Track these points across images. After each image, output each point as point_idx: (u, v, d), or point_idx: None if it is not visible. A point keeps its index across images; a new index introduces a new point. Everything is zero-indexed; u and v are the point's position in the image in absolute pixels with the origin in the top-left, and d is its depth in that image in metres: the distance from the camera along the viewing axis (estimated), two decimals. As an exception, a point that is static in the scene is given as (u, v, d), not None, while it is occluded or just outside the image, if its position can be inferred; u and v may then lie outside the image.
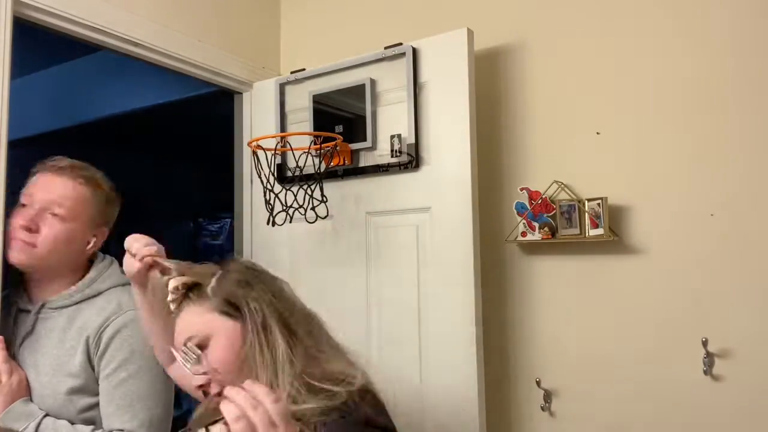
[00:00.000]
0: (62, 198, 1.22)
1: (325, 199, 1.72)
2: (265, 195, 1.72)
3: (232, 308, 0.95)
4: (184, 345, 0.93)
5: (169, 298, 0.97)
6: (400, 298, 1.71)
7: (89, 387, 1.19)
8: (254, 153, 1.70)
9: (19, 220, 1.21)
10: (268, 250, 2.00)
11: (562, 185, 1.67)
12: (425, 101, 1.71)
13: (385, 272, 1.76)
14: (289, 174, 1.84)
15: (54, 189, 1.22)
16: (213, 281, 0.98)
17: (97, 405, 1.19)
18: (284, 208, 1.71)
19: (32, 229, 1.19)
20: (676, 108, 1.55)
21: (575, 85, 1.69)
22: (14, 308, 1.29)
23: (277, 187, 1.74)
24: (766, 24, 1.46)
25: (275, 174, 1.76)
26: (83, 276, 1.28)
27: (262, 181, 1.69)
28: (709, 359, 1.45)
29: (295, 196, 1.70)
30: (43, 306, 1.25)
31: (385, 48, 1.78)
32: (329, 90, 1.87)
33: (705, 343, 1.45)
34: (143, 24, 1.75)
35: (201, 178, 5.14)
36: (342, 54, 1.92)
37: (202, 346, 0.93)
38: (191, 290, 0.98)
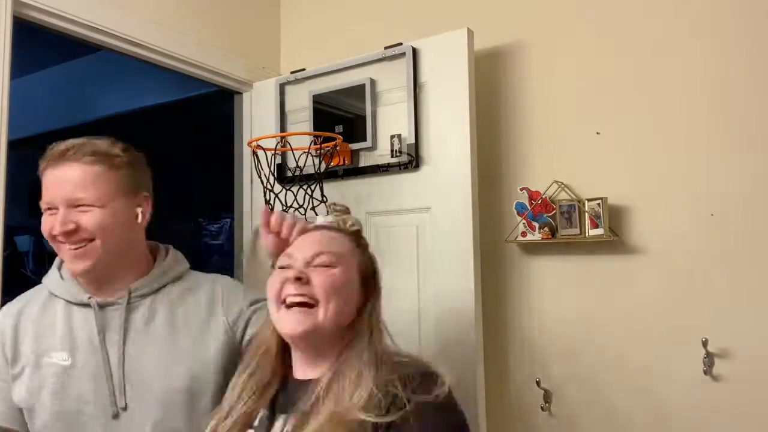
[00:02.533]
0: (78, 187, 1.08)
1: (325, 199, 1.72)
2: (265, 195, 1.71)
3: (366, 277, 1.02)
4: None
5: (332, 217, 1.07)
6: (399, 298, 1.71)
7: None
8: (254, 153, 1.70)
9: (49, 229, 1.08)
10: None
11: (562, 185, 1.67)
12: (425, 101, 1.71)
13: (384, 272, 1.74)
14: (289, 174, 1.84)
15: (65, 181, 1.08)
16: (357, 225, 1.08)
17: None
18: (284, 208, 1.71)
19: (71, 229, 1.07)
20: (676, 108, 1.55)
21: (575, 85, 1.69)
22: (70, 306, 1.15)
23: (277, 187, 1.74)
24: (765, 24, 1.46)
25: (275, 174, 1.76)
26: (146, 254, 1.20)
27: (262, 181, 1.69)
28: (709, 359, 1.45)
29: (295, 196, 1.70)
30: (131, 294, 1.14)
31: (385, 48, 1.78)
32: (329, 90, 1.88)
33: (705, 343, 1.45)
34: (143, 24, 1.75)
35: (201, 178, 5.14)
36: (342, 54, 1.92)
37: (329, 264, 0.95)
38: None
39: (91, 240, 1.08)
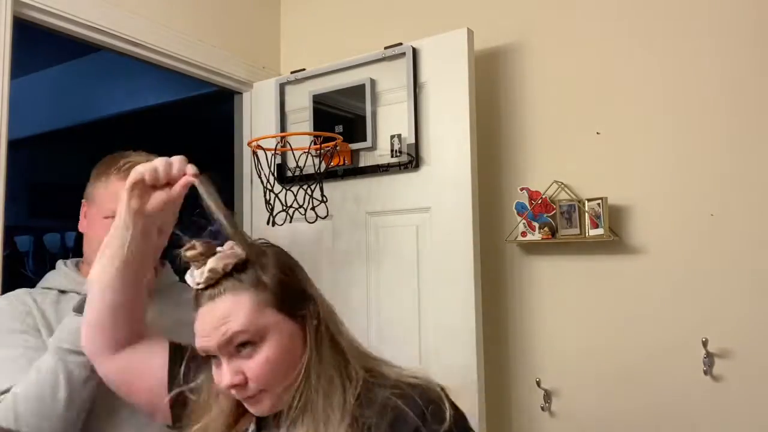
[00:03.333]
0: None
1: (325, 199, 1.72)
2: (265, 195, 1.72)
3: (291, 308, 0.83)
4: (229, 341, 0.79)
5: (203, 278, 0.80)
6: (400, 298, 1.71)
7: None
8: (254, 153, 1.70)
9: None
10: (268, 250, 2.00)
11: (562, 185, 1.67)
12: (425, 101, 1.71)
13: (385, 272, 1.76)
14: (289, 174, 1.84)
15: None
16: (268, 270, 0.83)
17: None
18: (284, 208, 1.71)
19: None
20: (676, 108, 1.55)
21: (575, 85, 1.69)
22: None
23: (277, 187, 1.74)
24: (765, 24, 1.46)
25: (275, 174, 1.76)
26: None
27: (262, 181, 1.69)
28: (709, 359, 1.45)
29: (295, 196, 1.70)
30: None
31: (385, 48, 1.78)
32: (329, 90, 1.88)
33: (705, 343, 1.45)
34: (143, 24, 1.75)
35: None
36: (342, 54, 1.92)
37: (251, 342, 0.78)
38: (238, 270, 0.81)
39: None
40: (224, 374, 0.79)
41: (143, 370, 0.93)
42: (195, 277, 0.81)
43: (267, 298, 0.81)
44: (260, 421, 0.86)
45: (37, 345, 1.11)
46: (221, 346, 0.79)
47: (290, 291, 0.84)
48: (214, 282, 0.80)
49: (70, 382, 1.02)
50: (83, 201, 1.26)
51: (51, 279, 1.26)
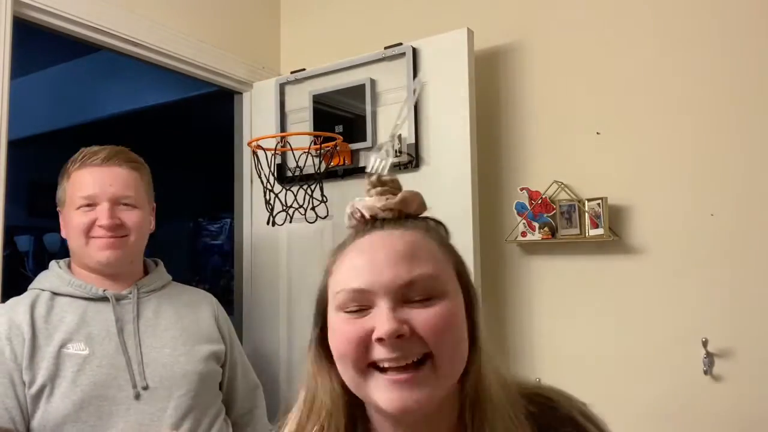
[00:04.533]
0: (125, 187, 1.26)
1: (325, 199, 1.72)
2: (265, 195, 1.72)
3: (466, 284, 0.69)
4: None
5: (396, 201, 0.67)
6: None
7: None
8: (254, 153, 1.70)
9: (89, 222, 1.22)
10: (268, 250, 2.00)
11: (562, 185, 1.67)
12: (425, 101, 1.70)
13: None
14: (289, 174, 1.84)
15: (114, 180, 1.24)
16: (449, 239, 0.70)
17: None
18: (284, 208, 1.71)
19: (117, 224, 1.23)
20: (676, 108, 1.55)
21: (575, 84, 1.69)
22: (80, 301, 1.24)
23: (277, 187, 1.74)
24: (765, 24, 1.46)
25: (275, 174, 1.76)
26: (143, 259, 1.37)
27: (262, 181, 1.69)
28: (709, 359, 1.45)
29: (295, 196, 1.70)
30: (139, 290, 1.30)
31: (385, 48, 1.78)
32: (329, 90, 1.87)
33: (705, 343, 1.45)
34: (143, 24, 1.75)
35: (201, 178, 5.14)
36: (342, 54, 1.92)
37: (431, 298, 0.62)
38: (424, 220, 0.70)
39: (126, 236, 1.25)
40: (384, 320, 0.60)
41: None
42: (378, 202, 0.67)
43: (453, 258, 0.68)
44: None
45: (6, 391, 1.12)
46: (393, 288, 0.61)
47: (465, 268, 0.70)
48: (398, 215, 0.67)
49: None
50: (58, 210, 1.31)
51: (44, 280, 1.28)
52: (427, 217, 0.70)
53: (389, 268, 0.62)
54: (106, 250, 1.23)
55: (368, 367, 0.62)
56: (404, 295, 0.62)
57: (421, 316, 0.61)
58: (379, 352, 0.61)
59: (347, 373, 0.64)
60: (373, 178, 0.69)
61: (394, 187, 0.69)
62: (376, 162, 0.70)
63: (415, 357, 0.61)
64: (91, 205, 1.23)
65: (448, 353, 0.62)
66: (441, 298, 0.63)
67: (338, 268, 0.67)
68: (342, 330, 0.63)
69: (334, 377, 0.67)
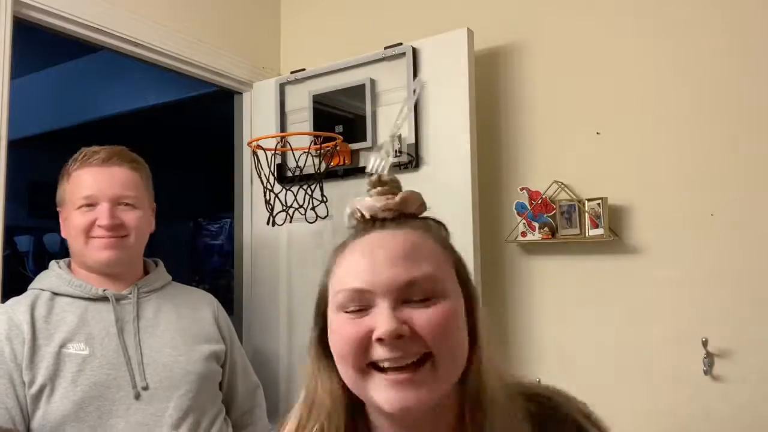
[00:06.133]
0: (125, 187, 1.26)
1: (325, 199, 1.72)
2: (265, 195, 1.72)
3: (466, 285, 0.69)
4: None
5: (395, 201, 0.68)
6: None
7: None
8: (254, 153, 1.70)
9: (89, 222, 1.22)
10: (268, 250, 2.00)
11: (562, 185, 1.67)
12: (425, 101, 1.70)
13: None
14: (289, 174, 1.84)
15: (114, 180, 1.24)
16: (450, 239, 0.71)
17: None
18: (284, 208, 1.71)
19: (117, 224, 1.23)
20: (676, 108, 1.55)
21: (575, 85, 1.69)
22: (80, 302, 1.24)
23: (277, 187, 1.74)
24: (766, 24, 1.46)
25: (275, 174, 1.76)
26: (142, 259, 1.37)
27: (262, 181, 1.69)
28: (709, 359, 1.45)
29: (296, 196, 1.70)
30: (139, 290, 1.30)
31: (385, 48, 1.78)
32: (329, 90, 1.87)
33: (705, 343, 1.45)
34: (143, 24, 1.75)
35: (201, 178, 5.15)
36: (342, 54, 1.92)
37: (429, 298, 0.63)
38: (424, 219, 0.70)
39: (126, 236, 1.25)
40: (384, 320, 0.60)
41: None
42: (378, 202, 0.68)
43: (453, 258, 0.68)
44: None
45: (6, 391, 1.12)
46: (393, 288, 0.62)
47: (465, 269, 0.70)
48: (398, 215, 0.67)
49: None
50: (58, 209, 1.30)
51: (44, 279, 1.28)
52: (427, 217, 0.71)
53: (389, 268, 0.63)
54: (105, 250, 1.23)
55: (368, 366, 0.63)
56: (404, 295, 0.62)
57: (421, 317, 0.61)
58: (379, 352, 0.61)
59: (347, 373, 0.65)
60: (373, 177, 0.70)
61: (394, 187, 0.70)
62: (376, 162, 0.70)
63: (414, 357, 0.61)
64: (91, 205, 1.23)
65: (448, 353, 0.63)
66: (441, 298, 0.63)
67: (338, 268, 0.68)
68: (342, 330, 0.64)
69: (334, 377, 0.68)
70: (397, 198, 0.68)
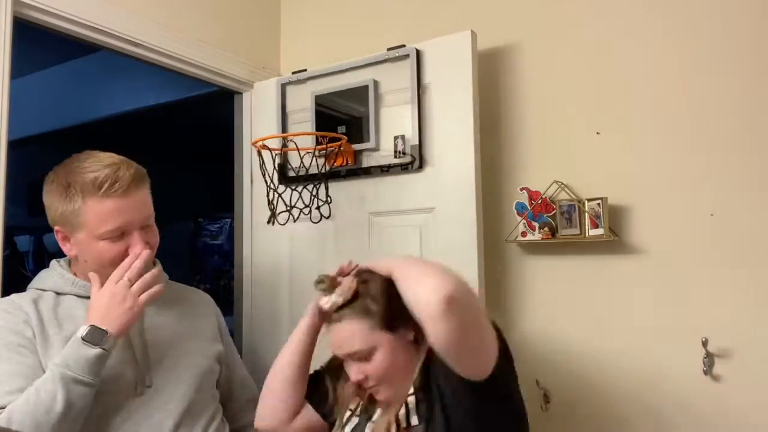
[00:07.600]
0: (147, 209, 1.25)
1: (329, 200, 1.72)
2: (268, 195, 1.72)
3: (390, 323, 1.09)
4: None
5: (328, 305, 1.11)
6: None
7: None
8: (259, 153, 1.70)
9: (122, 251, 1.20)
10: (269, 251, 2.00)
11: (562, 185, 1.67)
12: (429, 103, 1.70)
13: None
14: (292, 174, 1.84)
15: (140, 207, 1.22)
16: (377, 299, 1.09)
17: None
18: (287, 208, 1.71)
19: (149, 245, 1.24)
20: (676, 108, 1.55)
21: (575, 85, 1.69)
22: (88, 301, 1.21)
23: (281, 188, 1.74)
24: (766, 24, 1.46)
25: (279, 174, 1.76)
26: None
27: (266, 181, 1.69)
28: (709, 359, 1.46)
29: (300, 195, 1.70)
30: None
31: (388, 49, 1.78)
32: (331, 91, 1.87)
33: (705, 343, 1.45)
34: (143, 24, 1.75)
35: (201, 178, 5.14)
36: (343, 55, 1.92)
37: (365, 357, 1.08)
38: (351, 302, 1.10)
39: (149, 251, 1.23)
40: (352, 373, 1.11)
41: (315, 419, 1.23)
42: (323, 304, 1.12)
43: (374, 323, 1.08)
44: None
45: (33, 362, 1.11)
46: (346, 357, 1.12)
47: (394, 312, 1.05)
48: (336, 309, 1.10)
49: (68, 410, 1.04)
50: (56, 228, 1.22)
51: (46, 279, 1.27)
52: (349, 301, 1.11)
53: (338, 349, 1.14)
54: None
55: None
56: (355, 358, 1.10)
57: (367, 368, 1.09)
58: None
59: None
60: (318, 281, 1.15)
61: (331, 286, 1.13)
62: (331, 299, 1.11)
63: (371, 386, 1.12)
64: (124, 234, 1.20)
65: (390, 382, 1.10)
66: (373, 354, 1.08)
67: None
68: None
69: None
70: (331, 300, 1.12)
